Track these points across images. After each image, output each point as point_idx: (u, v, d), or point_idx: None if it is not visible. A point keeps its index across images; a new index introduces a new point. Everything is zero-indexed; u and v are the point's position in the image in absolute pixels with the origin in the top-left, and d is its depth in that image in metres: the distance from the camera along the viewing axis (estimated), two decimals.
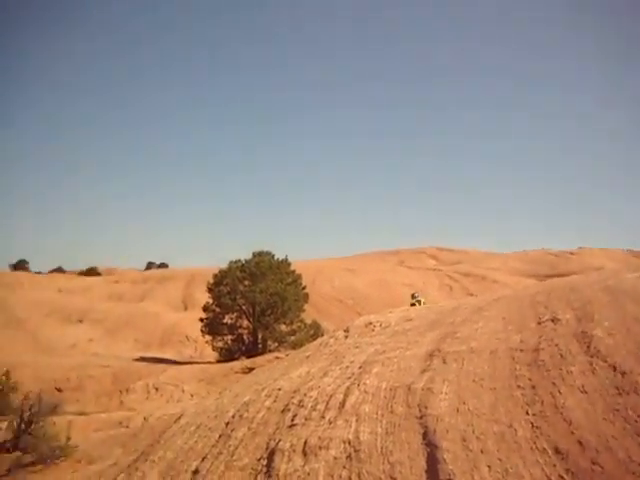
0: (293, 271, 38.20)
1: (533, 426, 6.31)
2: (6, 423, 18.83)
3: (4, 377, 19.60)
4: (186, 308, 59.72)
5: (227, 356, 36.59)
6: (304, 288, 38.22)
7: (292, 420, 8.70)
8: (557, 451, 5.76)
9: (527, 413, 6.58)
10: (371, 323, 13.54)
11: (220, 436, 9.45)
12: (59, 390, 31.05)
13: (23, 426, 18.37)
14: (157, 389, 31.19)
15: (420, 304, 26.99)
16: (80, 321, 53.03)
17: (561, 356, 7.48)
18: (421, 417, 7.31)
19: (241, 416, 9.79)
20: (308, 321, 37.38)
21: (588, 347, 7.39)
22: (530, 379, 7.26)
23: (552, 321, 8.80)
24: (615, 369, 6.63)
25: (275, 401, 9.82)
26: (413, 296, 28.51)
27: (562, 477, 5.42)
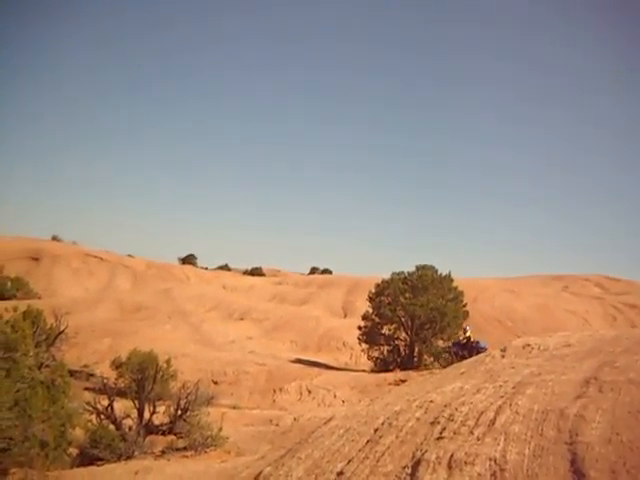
0: (455, 287, 37.95)
1: None
2: (164, 408, 19.65)
3: (165, 365, 20.42)
4: (345, 315, 60.23)
5: (382, 366, 36.71)
6: (465, 305, 37.91)
7: (440, 433, 8.70)
8: None
9: None
10: (529, 345, 13.38)
11: (368, 441, 9.53)
12: (215, 383, 32.03)
13: (179, 412, 19.13)
14: (310, 392, 31.65)
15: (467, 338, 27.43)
16: (241, 319, 54.33)
17: None
18: (571, 443, 7.18)
19: (390, 424, 9.84)
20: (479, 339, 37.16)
21: None
22: None
23: None
24: None
25: (425, 412, 9.83)
26: (464, 330, 28.66)
27: None
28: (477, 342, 30.35)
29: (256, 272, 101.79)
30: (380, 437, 9.41)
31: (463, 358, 28.52)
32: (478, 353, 27.89)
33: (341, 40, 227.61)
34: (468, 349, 29.61)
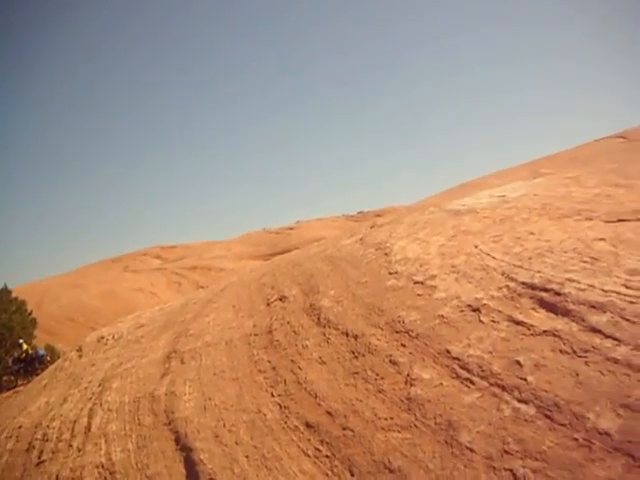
0: (15, 298, 36.51)
1: (281, 407, 6.34)
2: None
3: None
4: None
5: None
6: (30, 313, 36.68)
7: (39, 457, 8.30)
8: (308, 425, 5.81)
9: (272, 395, 6.62)
10: (103, 337, 13.20)
11: None
12: None
13: None
14: None
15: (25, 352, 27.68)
16: None
17: (294, 332, 7.59)
18: (170, 423, 7.19)
19: None
20: (41, 347, 35.98)
21: (318, 319, 7.53)
22: (269, 361, 7.31)
23: (280, 300, 8.93)
24: (348, 335, 6.79)
25: (17, 441, 9.31)
26: (20, 345, 28.91)
27: (318, 449, 5.46)
28: (36, 352, 29.51)
29: None
30: None
31: (28, 374, 27.69)
32: (40, 363, 27.22)
33: None
34: (29, 362, 28.66)
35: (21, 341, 29.57)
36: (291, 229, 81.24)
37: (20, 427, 9.74)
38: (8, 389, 29.23)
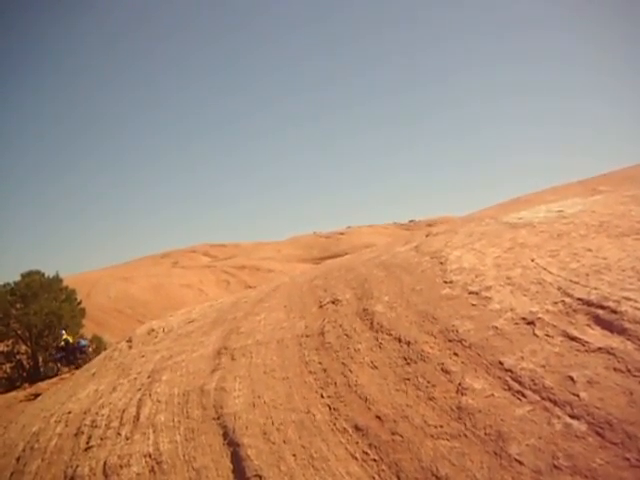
0: (66, 287, 36.88)
1: (330, 408, 6.37)
2: None
3: None
4: None
5: (8, 386, 34.91)
6: (79, 303, 37.04)
7: (87, 443, 8.40)
8: (357, 429, 5.83)
9: (322, 396, 6.64)
10: (153, 330, 13.34)
11: (12, 474, 8.99)
12: None
13: None
14: None
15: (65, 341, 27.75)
16: None
17: (347, 336, 7.61)
18: (218, 417, 7.25)
19: (32, 448, 9.35)
20: (88, 336, 36.33)
21: (371, 323, 7.55)
22: (320, 363, 7.33)
23: (333, 303, 8.95)
24: (400, 341, 6.80)
25: (66, 426, 9.45)
26: (61, 334, 29.06)
27: (366, 453, 5.48)
28: (78, 342, 29.81)
29: None
30: (25, 465, 8.89)
31: (69, 362, 28.07)
32: (82, 353, 27.51)
33: None
34: (70, 352, 28.98)
35: (62, 331, 29.99)
36: (342, 234, 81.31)
37: (69, 412, 9.89)
38: (51, 376, 29.61)
